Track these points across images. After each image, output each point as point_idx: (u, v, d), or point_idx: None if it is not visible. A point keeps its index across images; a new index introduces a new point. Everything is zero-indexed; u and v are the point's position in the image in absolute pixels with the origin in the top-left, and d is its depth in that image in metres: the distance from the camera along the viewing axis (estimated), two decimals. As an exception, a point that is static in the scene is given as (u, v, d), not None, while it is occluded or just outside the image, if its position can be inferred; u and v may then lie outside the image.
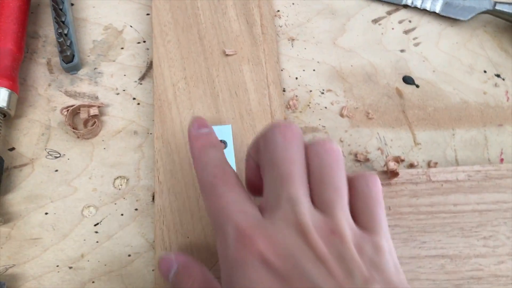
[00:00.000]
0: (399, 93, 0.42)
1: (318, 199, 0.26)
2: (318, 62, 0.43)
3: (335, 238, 0.24)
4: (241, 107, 0.39)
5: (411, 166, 0.39)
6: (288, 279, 0.23)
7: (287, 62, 0.43)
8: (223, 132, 0.37)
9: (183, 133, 0.37)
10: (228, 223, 0.25)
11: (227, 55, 0.40)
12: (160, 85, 0.39)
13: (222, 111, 0.38)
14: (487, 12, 0.45)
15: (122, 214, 0.36)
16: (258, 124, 0.38)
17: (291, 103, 0.41)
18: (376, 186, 0.28)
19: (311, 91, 0.42)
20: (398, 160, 0.38)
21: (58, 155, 0.38)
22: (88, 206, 0.36)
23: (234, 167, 0.36)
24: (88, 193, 0.36)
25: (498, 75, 0.43)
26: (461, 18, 0.45)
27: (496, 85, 0.43)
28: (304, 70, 0.42)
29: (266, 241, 0.24)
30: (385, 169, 0.37)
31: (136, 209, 0.36)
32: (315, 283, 0.23)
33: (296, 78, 0.42)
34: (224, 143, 0.37)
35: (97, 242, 0.35)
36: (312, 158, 0.27)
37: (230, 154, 0.37)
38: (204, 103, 0.38)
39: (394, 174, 0.36)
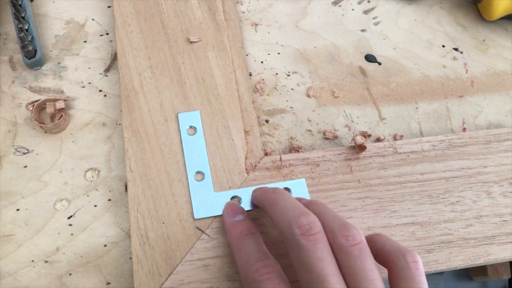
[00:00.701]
0: (363, 71, 0.43)
1: None
2: (282, 45, 0.44)
3: None
4: (209, 92, 0.39)
5: (378, 140, 0.40)
6: None
7: (251, 47, 0.43)
8: (192, 118, 0.38)
9: (152, 121, 0.37)
10: None
11: (191, 42, 0.40)
12: (126, 75, 0.39)
13: (190, 97, 0.39)
14: (441, -12, 0.46)
15: (95, 206, 0.36)
16: (227, 108, 0.38)
17: (258, 86, 0.41)
18: (419, 269, 0.28)
19: (277, 73, 0.42)
20: (365, 134, 0.38)
21: (26, 151, 0.37)
22: (61, 200, 0.36)
23: (205, 151, 0.37)
24: (60, 187, 0.36)
25: (456, 49, 0.45)
26: (417, -4, 0.46)
27: (454, 58, 0.44)
28: (269, 54, 0.43)
29: None
30: (353, 144, 0.38)
31: (109, 200, 0.36)
32: None
33: (262, 62, 0.43)
34: (193, 128, 0.37)
35: (71, 234, 0.35)
36: (339, 253, 0.28)
37: (200, 139, 0.37)
38: (172, 90, 0.39)
39: (361, 148, 0.37)
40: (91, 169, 0.37)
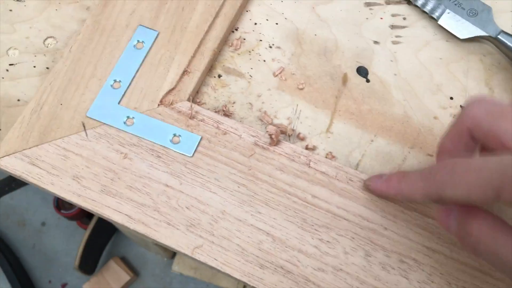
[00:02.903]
0: (345, 80, 0.39)
1: None
2: (285, 18, 0.41)
3: None
4: (179, 22, 0.39)
5: (307, 147, 0.37)
6: None
7: (257, 5, 0.42)
8: (148, 35, 0.38)
9: (115, 21, 0.39)
10: None
11: (196, -28, 0.41)
12: (124, -26, 0.41)
13: (160, 17, 0.39)
14: (488, 38, 0.39)
15: (34, 67, 0.39)
16: (184, 43, 0.38)
17: (235, 42, 0.40)
18: None
19: (261, 40, 0.41)
20: (284, 130, 0.36)
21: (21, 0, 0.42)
22: (14, 48, 0.40)
23: (136, 68, 0.37)
24: (21, 37, 0.40)
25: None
26: (457, 35, 0.40)
27: (454, 116, 0.38)
28: (267, 20, 0.41)
29: None
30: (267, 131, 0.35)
31: (47, 68, 0.39)
32: None
33: (255, 23, 0.41)
34: (142, 44, 0.38)
35: (2, 78, 0.39)
36: None
37: (141, 56, 0.38)
38: (150, 4, 0.40)
39: (272, 140, 0.35)
40: (53, 37, 0.40)
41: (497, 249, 0.25)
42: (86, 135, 0.35)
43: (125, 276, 1.17)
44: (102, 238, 1.19)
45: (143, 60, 0.38)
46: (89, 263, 1.14)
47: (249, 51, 0.40)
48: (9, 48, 0.40)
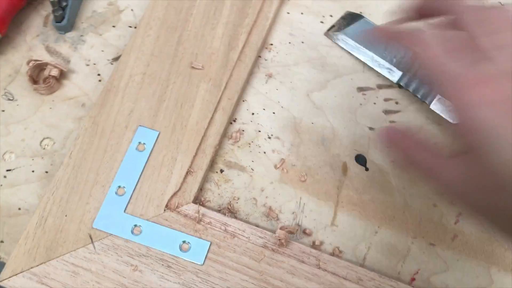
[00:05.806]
0: (344, 169, 0.40)
1: None
2: (282, 107, 0.42)
3: None
4: (179, 120, 0.39)
5: (313, 244, 0.37)
6: None
7: (252, 95, 0.42)
8: (149, 135, 0.38)
9: (114, 122, 0.39)
10: None
11: (192, 67, 0.41)
12: (119, 71, 0.40)
13: (159, 116, 0.39)
14: (478, 124, 0.41)
15: (33, 171, 0.39)
16: (185, 142, 0.38)
17: (234, 135, 0.41)
18: None
19: (259, 131, 0.41)
20: (293, 231, 0.36)
21: (12, 98, 0.41)
22: (11, 152, 0.39)
23: (140, 172, 0.37)
24: (17, 140, 0.39)
25: (459, 193, 0.39)
26: (449, 119, 0.41)
27: (452, 202, 0.39)
28: (264, 109, 0.42)
29: None
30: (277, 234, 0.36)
31: (46, 172, 0.39)
32: None
33: (253, 114, 0.42)
34: (144, 145, 0.38)
35: (1, 185, 0.38)
36: None
37: (143, 159, 0.38)
38: (148, 103, 0.40)
39: (281, 243, 0.35)
40: (49, 138, 0.40)
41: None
42: (94, 248, 0.35)
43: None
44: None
45: (146, 163, 0.38)
46: None
47: (249, 143, 0.41)
48: (5, 152, 0.39)
